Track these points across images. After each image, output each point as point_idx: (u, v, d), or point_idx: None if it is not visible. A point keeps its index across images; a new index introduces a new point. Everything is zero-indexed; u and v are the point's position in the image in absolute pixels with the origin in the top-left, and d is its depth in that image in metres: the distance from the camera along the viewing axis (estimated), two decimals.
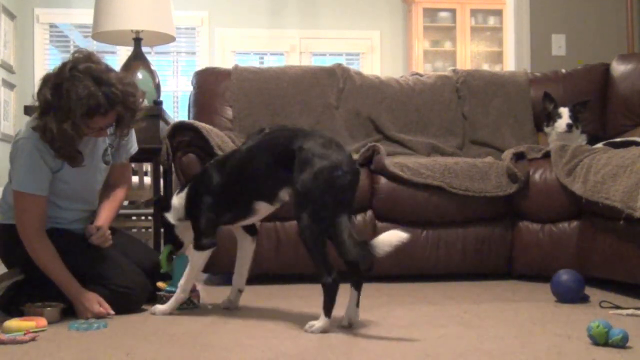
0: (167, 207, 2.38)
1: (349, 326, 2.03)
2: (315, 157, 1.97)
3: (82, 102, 2.13)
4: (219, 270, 3.00)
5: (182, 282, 2.29)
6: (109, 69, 2.23)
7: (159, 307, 2.30)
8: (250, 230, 2.40)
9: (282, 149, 2.06)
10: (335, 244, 1.95)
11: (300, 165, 1.99)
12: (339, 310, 2.01)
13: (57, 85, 2.15)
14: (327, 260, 1.96)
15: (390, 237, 1.85)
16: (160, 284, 2.43)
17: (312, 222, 1.95)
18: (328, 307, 1.96)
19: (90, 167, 2.35)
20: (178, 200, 2.34)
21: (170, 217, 2.36)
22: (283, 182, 2.08)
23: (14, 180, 2.24)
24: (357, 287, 2.05)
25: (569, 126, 3.36)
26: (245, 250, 2.40)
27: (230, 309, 2.38)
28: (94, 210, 2.45)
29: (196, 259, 2.26)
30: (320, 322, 1.96)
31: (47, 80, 2.20)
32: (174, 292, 2.33)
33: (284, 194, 2.12)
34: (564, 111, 3.41)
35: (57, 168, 2.27)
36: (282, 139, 2.10)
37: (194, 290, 2.42)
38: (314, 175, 1.95)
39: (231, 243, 2.50)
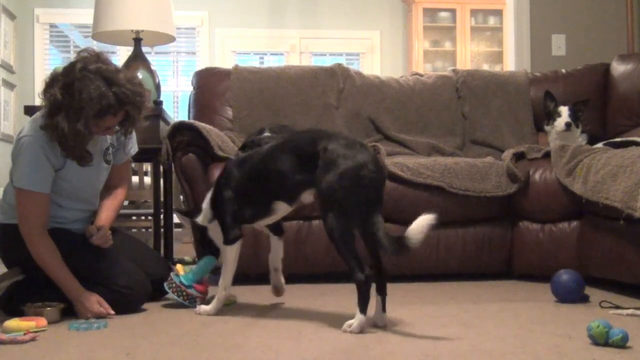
0: (197, 212, 2.41)
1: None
2: (340, 158, 1.98)
3: (94, 102, 2.14)
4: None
5: (220, 281, 2.31)
6: (117, 70, 2.25)
7: (204, 308, 2.31)
8: (277, 230, 2.43)
9: (305, 151, 2.08)
10: (372, 242, 2.01)
11: (324, 166, 2.00)
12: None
13: (67, 85, 2.15)
14: (358, 258, 1.97)
15: (420, 223, 1.90)
16: (178, 267, 2.44)
17: (339, 222, 1.97)
18: (363, 305, 1.97)
19: (92, 166, 2.35)
20: (205, 202, 2.38)
21: (201, 220, 2.39)
22: (305, 184, 2.10)
23: (16, 178, 2.23)
24: (382, 292, 2.07)
25: (568, 125, 3.36)
26: (276, 252, 2.45)
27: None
28: (94, 210, 2.45)
29: (228, 254, 2.30)
30: (357, 321, 1.97)
31: (55, 79, 2.19)
32: (184, 284, 2.38)
33: (306, 196, 2.15)
34: (564, 110, 3.41)
35: (60, 166, 2.27)
36: (305, 141, 2.11)
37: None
38: (339, 176, 1.97)
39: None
